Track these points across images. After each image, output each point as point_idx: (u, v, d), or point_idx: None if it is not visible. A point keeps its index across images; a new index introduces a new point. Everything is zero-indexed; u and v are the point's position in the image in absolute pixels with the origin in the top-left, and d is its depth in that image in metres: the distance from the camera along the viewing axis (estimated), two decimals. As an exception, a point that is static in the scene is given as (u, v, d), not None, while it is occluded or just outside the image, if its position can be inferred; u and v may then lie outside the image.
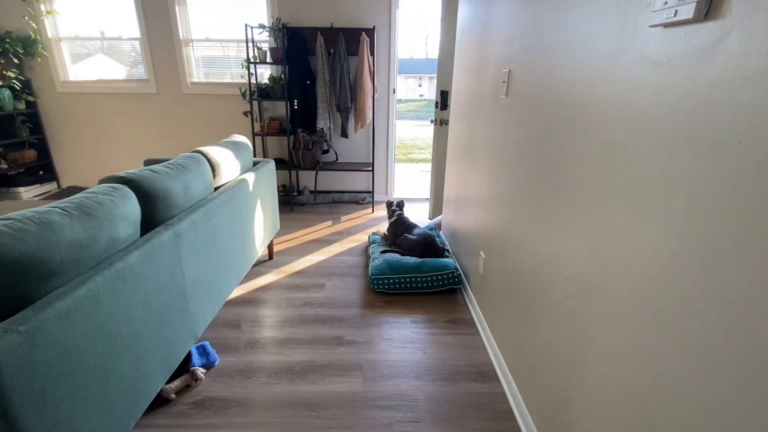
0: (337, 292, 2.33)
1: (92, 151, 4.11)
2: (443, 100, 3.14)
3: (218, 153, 1.91)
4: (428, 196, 3.75)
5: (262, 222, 2.33)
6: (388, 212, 2.93)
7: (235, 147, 2.11)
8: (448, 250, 2.62)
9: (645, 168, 0.79)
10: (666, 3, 0.71)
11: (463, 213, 2.38)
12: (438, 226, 3.21)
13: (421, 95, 29.87)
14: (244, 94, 3.70)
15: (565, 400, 1.11)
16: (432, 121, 3.34)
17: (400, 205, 2.89)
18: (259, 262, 2.70)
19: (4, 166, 3.71)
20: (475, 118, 2.11)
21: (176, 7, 3.60)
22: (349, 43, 3.54)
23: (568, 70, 1.12)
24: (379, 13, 3.58)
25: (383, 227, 3.35)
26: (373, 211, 3.81)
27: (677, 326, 0.70)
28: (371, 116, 3.69)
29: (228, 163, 1.97)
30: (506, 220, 1.61)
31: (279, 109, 3.87)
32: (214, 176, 1.87)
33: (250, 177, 2.14)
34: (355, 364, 1.73)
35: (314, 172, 4.01)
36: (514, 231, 1.53)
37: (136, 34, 3.72)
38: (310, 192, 4.10)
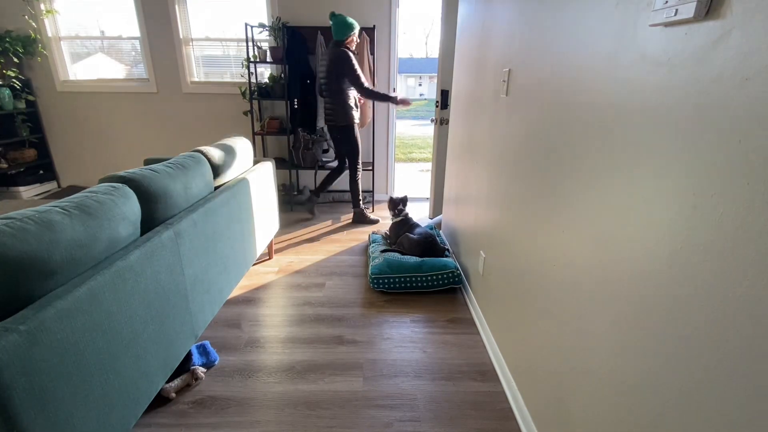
0: (337, 291, 2.33)
1: (92, 150, 4.11)
2: (444, 99, 3.13)
3: (218, 152, 1.91)
4: (428, 196, 3.75)
5: (262, 221, 2.33)
6: (392, 211, 2.85)
7: (235, 146, 2.11)
8: (448, 250, 2.62)
9: (645, 167, 0.79)
10: (666, 2, 0.71)
11: (463, 212, 2.38)
12: (438, 226, 3.21)
13: (421, 94, 29.86)
14: (244, 94, 3.70)
15: (565, 399, 1.11)
16: (432, 121, 3.34)
17: (404, 201, 2.86)
18: (259, 262, 2.70)
19: (4, 165, 3.71)
20: (475, 117, 2.11)
21: (176, 7, 3.60)
22: (349, 42, 3.54)
23: (568, 69, 1.11)
24: (379, 13, 3.57)
25: (384, 227, 3.35)
26: (373, 210, 3.81)
27: (678, 326, 0.70)
28: (371, 115, 3.69)
29: (228, 163, 1.97)
30: (506, 220, 1.61)
31: (279, 108, 3.86)
32: (214, 176, 1.87)
33: (250, 176, 2.14)
34: (355, 363, 1.74)
35: (314, 171, 4.01)
36: (514, 230, 1.53)
37: (136, 33, 3.72)
38: (310, 191, 4.09)
